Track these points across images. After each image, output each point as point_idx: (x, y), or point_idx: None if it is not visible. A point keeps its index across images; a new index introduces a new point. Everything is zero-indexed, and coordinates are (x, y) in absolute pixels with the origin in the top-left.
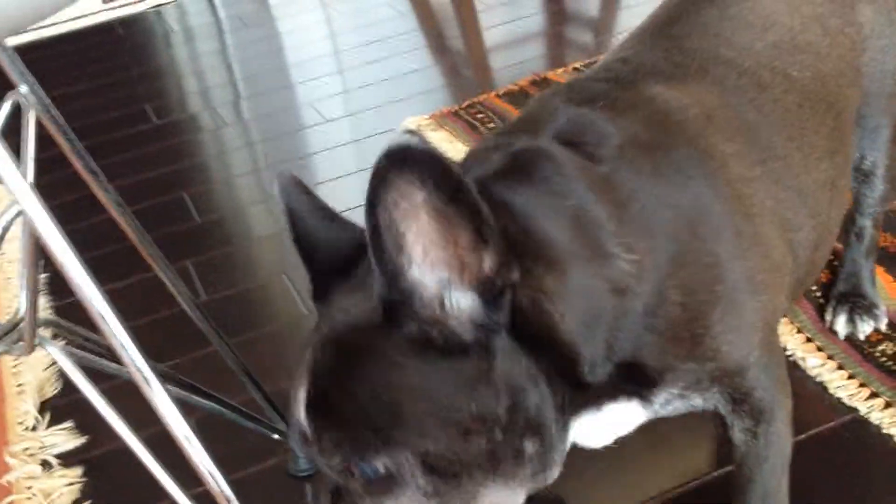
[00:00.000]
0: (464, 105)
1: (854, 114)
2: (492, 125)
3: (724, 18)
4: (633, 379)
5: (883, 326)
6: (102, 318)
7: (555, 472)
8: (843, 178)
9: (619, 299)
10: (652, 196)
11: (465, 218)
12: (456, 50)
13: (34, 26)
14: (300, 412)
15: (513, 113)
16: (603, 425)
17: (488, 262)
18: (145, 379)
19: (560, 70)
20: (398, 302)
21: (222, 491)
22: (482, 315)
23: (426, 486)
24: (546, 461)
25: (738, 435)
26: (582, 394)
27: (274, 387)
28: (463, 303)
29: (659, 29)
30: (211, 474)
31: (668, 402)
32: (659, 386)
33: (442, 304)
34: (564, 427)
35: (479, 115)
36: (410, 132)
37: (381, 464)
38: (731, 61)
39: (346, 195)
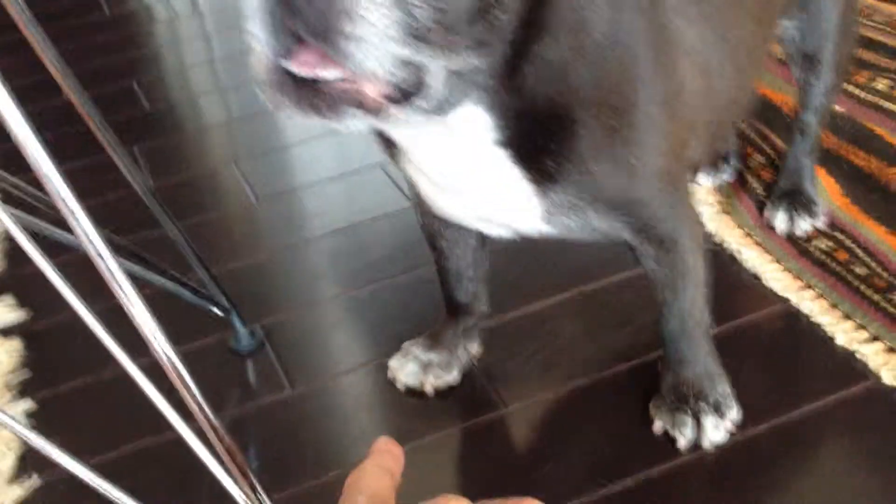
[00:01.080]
0: None
1: None
2: None
3: None
4: (540, 151)
5: (821, 224)
6: (49, 180)
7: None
8: (761, 49)
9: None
10: None
11: None
12: None
13: None
14: None
15: None
16: (497, 192)
17: None
18: (94, 246)
19: None
20: None
21: (168, 357)
22: None
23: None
24: (494, 31)
25: (646, 261)
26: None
27: (220, 269)
28: None
29: None
30: (156, 339)
31: (563, 210)
32: (557, 180)
33: None
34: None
35: None
36: None
37: None
38: None
39: None
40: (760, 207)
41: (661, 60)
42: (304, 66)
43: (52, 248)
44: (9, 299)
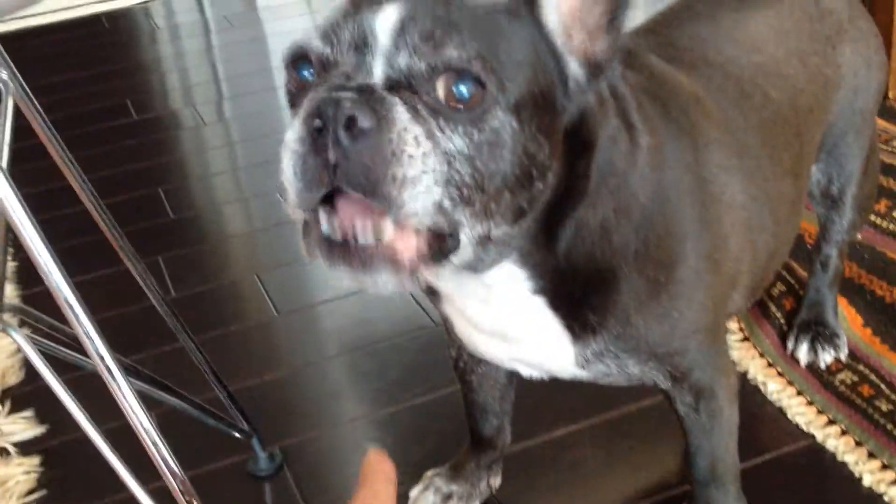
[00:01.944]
0: None
1: (816, 146)
2: None
3: (717, 31)
4: (579, 306)
5: (843, 356)
6: (69, 305)
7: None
8: (799, 202)
9: (633, 171)
10: (656, 121)
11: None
12: None
13: (20, 14)
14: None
15: None
16: (533, 339)
17: (601, 46)
18: (108, 370)
19: None
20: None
21: (178, 486)
22: (578, 84)
23: (508, 118)
24: (532, 201)
25: (680, 408)
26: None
27: (239, 385)
28: (571, 65)
29: (651, 29)
30: (167, 466)
31: (601, 357)
32: (598, 332)
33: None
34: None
35: None
36: None
37: (475, 83)
38: (718, 65)
39: None
40: (782, 336)
41: (706, 216)
42: (339, 227)
43: (68, 366)
44: (28, 413)
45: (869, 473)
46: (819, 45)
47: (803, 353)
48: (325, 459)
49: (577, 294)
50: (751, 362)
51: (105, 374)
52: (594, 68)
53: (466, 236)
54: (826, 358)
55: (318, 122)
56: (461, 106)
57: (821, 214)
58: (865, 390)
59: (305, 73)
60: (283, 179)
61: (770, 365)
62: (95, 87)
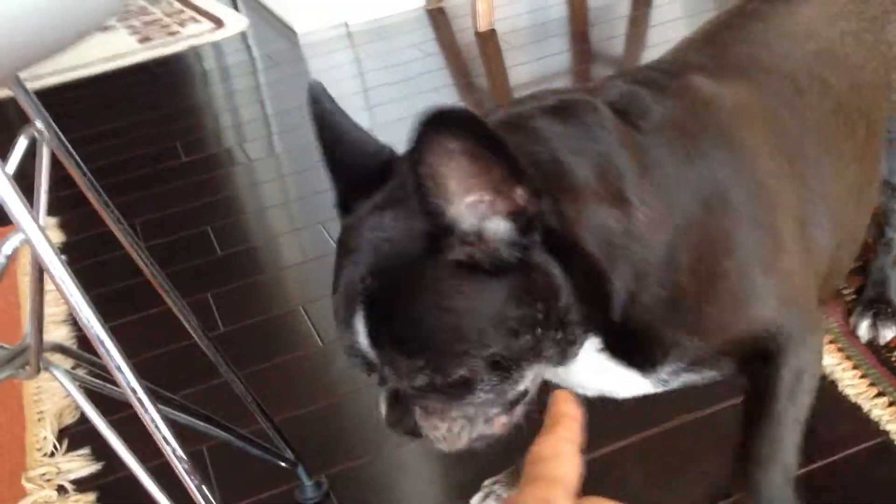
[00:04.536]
0: None
1: (884, 125)
2: None
3: (768, 30)
4: (640, 350)
5: None
6: (98, 339)
7: (575, 353)
8: (869, 186)
9: (634, 243)
10: (676, 169)
11: (496, 158)
12: (482, 88)
13: (70, 67)
14: (362, 341)
15: None
16: (609, 377)
17: (520, 194)
18: (139, 400)
19: None
20: (442, 233)
21: None
22: (518, 238)
23: (493, 379)
24: (568, 350)
25: (758, 373)
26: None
27: (285, 415)
28: (501, 229)
29: (706, 37)
30: (200, 494)
31: (675, 375)
32: (663, 363)
33: (481, 234)
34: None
35: None
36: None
37: (458, 374)
38: (771, 66)
39: None
40: (847, 312)
41: (755, 228)
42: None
43: (124, 402)
44: (85, 451)
45: None
46: (868, 23)
47: (864, 329)
48: (372, 486)
49: (630, 343)
50: None
51: (134, 402)
52: (524, 220)
53: (532, 382)
54: (886, 334)
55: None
56: (457, 388)
57: (882, 203)
58: None
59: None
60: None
61: (831, 341)
62: (146, 132)
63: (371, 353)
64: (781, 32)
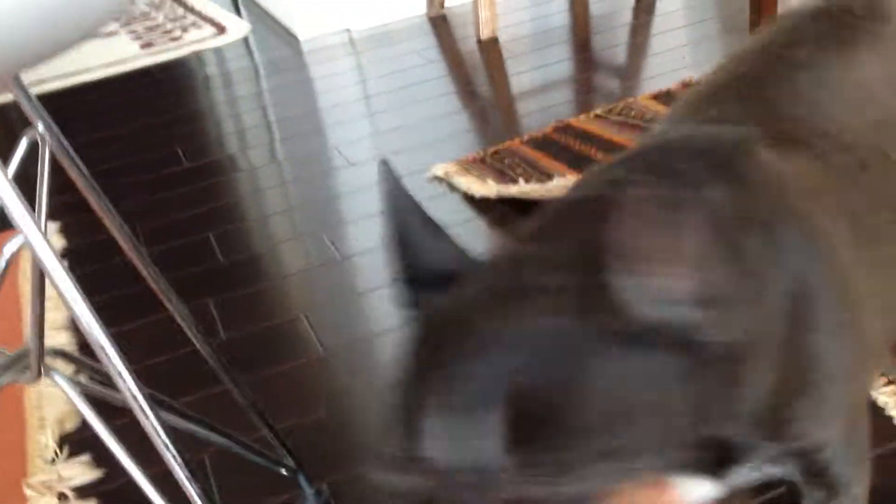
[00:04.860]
0: (490, 152)
1: None
2: (519, 170)
3: (820, 86)
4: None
5: None
6: (99, 345)
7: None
8: None
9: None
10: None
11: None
12: (483, 96)
13: (71, 72)
14: (486, 447)
15: (538, 159)
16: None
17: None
18: (140, 406)
19: (583, 116)
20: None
21: None
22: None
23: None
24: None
25: (808, 502)
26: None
27: (286, 423)
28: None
29: (748, 88)
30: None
31: (740, 476)
32: (736, 464)
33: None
34: None
35: (506, 160)
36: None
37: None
38: (831, 135)
39: (370, 236)
40: None
41: (841, 334)
42: None
43: (124, 408)
44: (86, 458)
45: None
46: None
47: None
48: (374, 495)
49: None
50: None
51: (134, 407)
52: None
53: None
54: None
55: None
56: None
57: None
58: None
59: None
60: None
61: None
62: (147, 137)
63: (492, 460)
64: (835, 93)
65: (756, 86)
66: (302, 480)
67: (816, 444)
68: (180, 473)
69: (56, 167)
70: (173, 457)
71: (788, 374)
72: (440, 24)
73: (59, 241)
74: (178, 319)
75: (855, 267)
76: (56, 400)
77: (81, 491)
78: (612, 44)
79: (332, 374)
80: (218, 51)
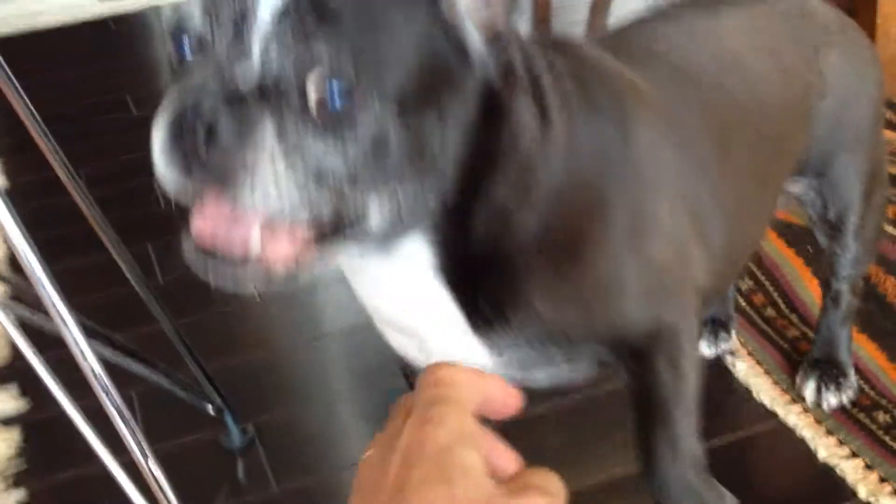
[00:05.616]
0: None
1: (795, 156)
2: None
3: (676, 29)
4: (485, 291)
5: (846, 400)
6: (33, 272)
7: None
8: (764, 208)
9: (536, 156)
10: (579, 113)
11: None
12: None
13: (24, 14)
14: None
15: None
16: (428, 317)
17: (498, 11)
18: (69, 332)
19: None
20: None
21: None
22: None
23: (388, 115)
24: (431, 187)
25: (631, 369)
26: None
27: (217, 365)
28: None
29: (614, 33)
30: (121, 416)
31: (516, 347)
32: (506, 322)
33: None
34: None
35: None
36: None
37: (346, 82)
38: (669, 59)
39: None
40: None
41: (625, 196)
42: (205, 234)
43: (54, 342)
44: (12, 389)
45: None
46: (800, 48)
47: (810, 392)
48: (298, 436)
49: (477, 280)
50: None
51: (64, 332)
52: (492, 35)
53: (367, 207)
54: (831, 401)
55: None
56: (334, 111)
57: (824, 244)
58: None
59: (185, 48)
60: (156, 164)
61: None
62: (96, 84)
63: (271, 11)
64: (689, 33)
65: (625, 29)
66: (228, 419)
67: (615, 323)
68: (107, 403)
69: (2, 108)
70: (102, 387)
71: (578, 217)
72: None
73: (1, 180)
74: (118, 260)
75: (665, 164)
76: None
77: (5, 422)
78: (572, 20)
79: (269, 320)
80: (176, 7)
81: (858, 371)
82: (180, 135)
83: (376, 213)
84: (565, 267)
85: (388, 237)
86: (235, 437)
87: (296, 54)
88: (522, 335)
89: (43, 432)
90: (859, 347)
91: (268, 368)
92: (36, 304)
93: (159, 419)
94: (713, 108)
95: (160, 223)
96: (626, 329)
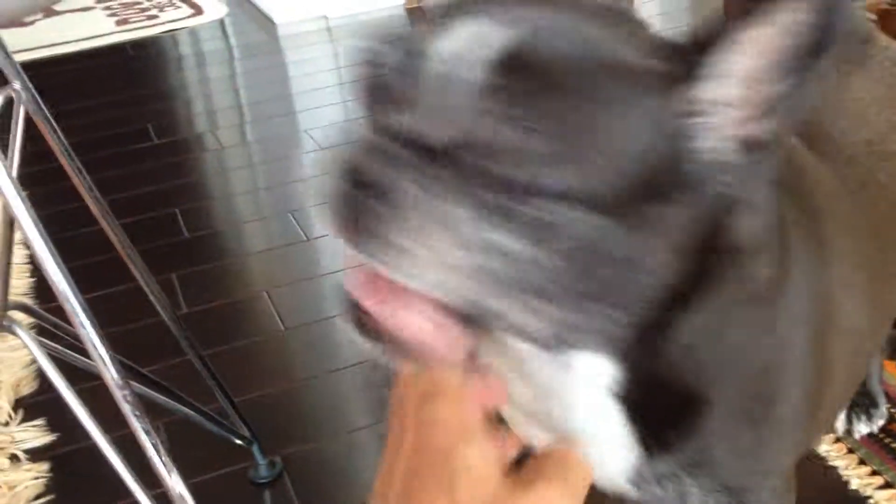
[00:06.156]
0: None
1: None
2: None
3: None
4: (666, 419)
5: (876, 428)
6: (70, 305)
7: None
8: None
9: (760, 285)
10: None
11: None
12: None
13: (45, 44)
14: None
15: None
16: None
17: (766, 127)
18: (104, 362)
19: None
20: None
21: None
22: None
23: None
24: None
25: None
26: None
27: (244, 396)
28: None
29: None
30: (168, 473)
31: (662, 479)
32: (674, 453)
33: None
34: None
35: None
36: None
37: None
38: (835, 141)
39: None
40: None
41: (818, 346)
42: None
43: (83, 373)
44: (40, 422)
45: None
46: None
47: (840, 422)
48: (325, 468)
49: (662, 407)
50: None
51: (103, 371)
52: (750, 147)
53: (522, 333)
54: (861, 429)
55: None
56: (536, 202)
57: None
58: None
59: (374, 93)
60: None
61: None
62: (117, 112)
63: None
64: (839, 107)
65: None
66: (256, 451)
67: (749, 482)
68: (144, 439)
69: (28, 135)
70: (139, 423)
71: (765, 376)
72: (417, 15)
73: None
74: (146, 290)
75: (847, 288)
76: (13, 364)
77: (34, 454)
78: None
79: (292, 351)
80: (193, 31)
81: (889, 399)
82: (356, 189)
83: (555, 323)
84: (755, 417)
85: (563, 348)
86: (263, 469)
87: (502, 130)
88: (681, 469)
89: (70, 465)
90: (890, 376)
91: (293, 400)
92: (58, 335)
93: (188, 452)
94: (875, 205)
95: (184, 253)
96: (768, 487)
